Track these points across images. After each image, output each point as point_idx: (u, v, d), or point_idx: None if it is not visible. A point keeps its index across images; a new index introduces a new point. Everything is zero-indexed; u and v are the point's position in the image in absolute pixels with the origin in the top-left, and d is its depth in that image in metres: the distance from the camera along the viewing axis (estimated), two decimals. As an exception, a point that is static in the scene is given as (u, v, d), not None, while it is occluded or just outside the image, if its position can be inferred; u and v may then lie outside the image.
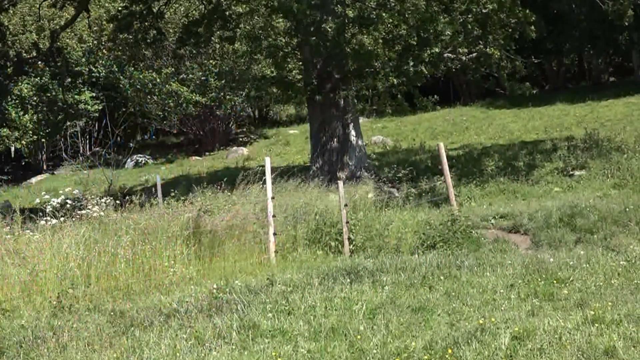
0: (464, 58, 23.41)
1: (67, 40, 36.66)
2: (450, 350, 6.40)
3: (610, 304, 7.33)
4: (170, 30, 32.39)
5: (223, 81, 36.13)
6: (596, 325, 6.68)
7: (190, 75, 36.67)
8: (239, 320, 7.71)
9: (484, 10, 21.83)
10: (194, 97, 36.22)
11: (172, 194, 16.85)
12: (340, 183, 14.67)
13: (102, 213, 13.39)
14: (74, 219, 13.08)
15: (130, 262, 11.69)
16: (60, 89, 34.96)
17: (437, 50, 21.86)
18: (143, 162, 37.63)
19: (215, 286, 10.11)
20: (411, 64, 21.25)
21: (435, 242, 13.32)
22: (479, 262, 9.99)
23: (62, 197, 14.20)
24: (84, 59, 38.13)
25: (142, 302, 9.98)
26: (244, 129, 42.64)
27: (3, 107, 32.93)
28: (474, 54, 23.26)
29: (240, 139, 40.09)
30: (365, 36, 21.35)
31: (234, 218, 14.02)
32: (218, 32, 25.97)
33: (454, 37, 21.81)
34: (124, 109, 40.33)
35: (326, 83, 22.88)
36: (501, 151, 25.62)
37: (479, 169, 22.52)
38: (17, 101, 36.21)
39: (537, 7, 28.19)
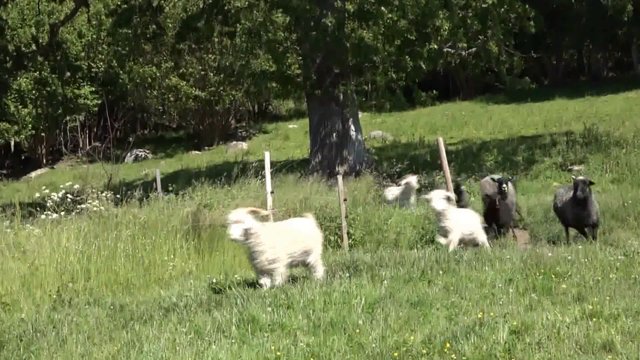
0: (463, 53, 23.44)
1: (67, 35, 36.61)
2: (448, 345, 6.42)
3: (608, 298, 7.35)
4: (170, 25, 32.36)
5: (222, 76, 36.13)
6: (594, 319, 6.70)
7: (190, 70, 36.66)
8: (238, 314, 7.73)
9: (483, 5, 21.86)
10: (193, 92, 36.22)
11: (172, 189, 16.88)
12: (340, 177, 14.69)
13: (102, 208, 13.41)
14: (74, 213, 13.10)
15: (130, 257, 11.71)
16: (60, 83, 34.94)
17: (435, 46, 21.89)
18: (143, 156, 37.64)
19: (214, 280, 10.15)
20: (408, 59, 21.28)
21: (434, 236, 13.34)
22: (478, 257, 10.01)
23: (63, 191, 14.20)
24: (83, 54, 38.11)
25: (141, 296, 10.01)
26: (244, 124, 42.64)
27: (2, 102, 32.94)
28: (474, 49, 23.28)
29: (240, 134, 40.09)
30: (365, 31, 21.37)
31: (233, 212, 14.01)
32: (218, 28, 25.98)
33: (454, 32, 21.83)
34: (123, 104, 40.31)
35: (325, 78, 22.89)
36: (500, 146, 25.63)
37: (478, 163, 22.55)
38: (16, 95, 36.21)
39: (537, 2, 28.16)
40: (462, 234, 11.86)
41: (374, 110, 33.29)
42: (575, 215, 12.66)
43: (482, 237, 12.31)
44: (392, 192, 17.20)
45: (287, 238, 9.63)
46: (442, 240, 11.81)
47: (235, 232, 9.21)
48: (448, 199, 11.88)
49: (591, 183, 12.65)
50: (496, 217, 13.83)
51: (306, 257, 9.87)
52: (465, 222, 12.03)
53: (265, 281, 9.30)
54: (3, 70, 27.90)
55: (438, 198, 11.71)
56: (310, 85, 23.06)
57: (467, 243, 11.98)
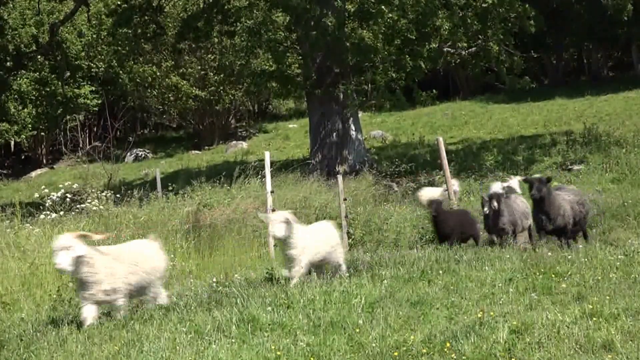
0: (463, 52, 23.44)
1: (67, 34, 36.61)
2: (448, 344, 6.42)
3: (608, 297, 7.35)
4: (170, 25, 32.38)
5: (222, 75, 36.14)
6: (594, 319, 6.70)
7: (190, 69, 36.67)
8: (238, 313, 7.73)
9: (483, 5, 21.86)
10: (193, 91, 36.22)
11: (172, 188, 16.89)
12: (340, 177, 14.70)
13: (102, 207, 13.43)
14: (73, 213, 13.12)
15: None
16: (60, 83, 34.94)
17: (435, 45, 21.90)
18: (143, 156, 37.64)
19: (214, 280, 10.15)
20: (408, 59, 21.29)
21: (434, 236, 13.34)
22: (478, 257, 10.02)
23: (62, 191, 14.24)
24: (83, 53, 38.12)
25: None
26: (244, 123, 42.64)
27: (2, 101, 32.93)
28: (474, 49, 23.28)
29: (240, 133, 40.09)
30: (365, 31, 21.37)
31: (233, 212, 14.05)
32: (217, 27, 25.99)
33: (454, 31, 21.83)
34: (123, 103, 40.32)
35: (325, 77, 22.89)
36: (500, 145, 25.64)
37: (478, 163, 22.55)
38: (16, 96, 36.21)
39: (537, 1, 28.18)
40: (312, 259, 9.69)
41: (374, 110, 33.29)
42: (534, 218, 11.75)
43: (340, 257, 10.25)
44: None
45: (126, 265, 8.43)
46: (285, 272, 9.60)
47: (62, 261, 7.85)
48: (288, 222, 9.37)
49: (548, 181, 11.54)
50: (438, 229, 12.54)
51: (149, 287, 8.77)
52: (315, 244, 9.77)
53: (87, 315, 8.11)
54: (3, 70, 27.92)
55: (277, 222, 9.33)
56: (311, 85, 23.07)
57: (321, 265, 10.01)
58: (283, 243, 9.43)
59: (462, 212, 13.48)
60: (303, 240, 9.49)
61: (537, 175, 11.56)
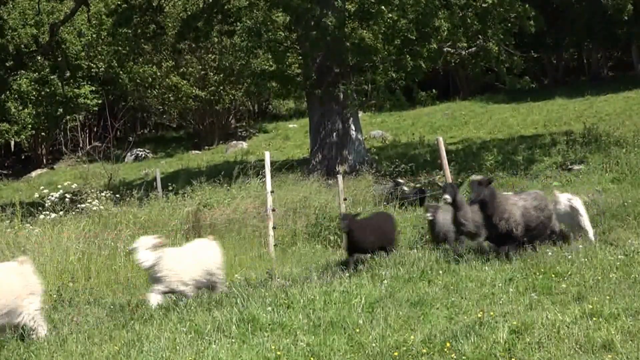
0: (463, 52, 23.46)
1: (67, 35, 36.59)
2: (448, 344, 6.43)
3: (608, 297, 7.35)
4: (170, 25, 32.38)
5: (222, 75, 36.15)
6: (594, 319, 6.70)
7: (190, 69, 36.67)
8: (238, 313, 7.74)
9: (483, 5, 21.86)
10: (193, 91, 36.22)
11: (172, 188, 16.90)
12: (340, 177, 14.70)
13: (101, 207, 13.45)
14: (73, 213, 13.13)
15: (130, 256, 11.73)
16: (60, 83, 34.93)
17: (435, 46, 21.92)
18: (143, 156, 37.64)
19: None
20: (409, 59, 21.31)
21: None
22: (478, 257, 10.01)
23: (61, 191, 14.26)
24: (83, 53, 38.11)
25: (142, 296, 10.01)
26: (244, 123, 42.64)
27: (2, 101, 32.93)
28: (473, 49, 23.29)
29: (240, 133, 40.09)
30: (365, 31, 21.38)
31: (233, 212, 14.07)
32: (217, 27, 26.00)
33: (454, 31, 21.84)
34: (123, 104, 40.32)
35: (326, 77, 22.90)
36: (500, 145, 25.62)
37: (478, 163, 22.52)
38: (16, 96, 36.20)
39: (537, 1, 28.19)
40: (185, 283, 9.11)
41: (374, 110, 33.31)
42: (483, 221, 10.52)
43: (218, 281, 9.51)
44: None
45: None
46: (152, 297, 8.93)
47: None
48: (155, 246, 8.96)
49: (489, 182, 10.22)
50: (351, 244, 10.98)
51: (14, 317, 7.89)
52: (188, 267, 9.18)
53: None
54: (3, 70, 27.91)
55: (143, 249, 8.87)
56: (311, 85, 23.07)
57: (200, 287, 9.33)
58: (151, 271, 9.00)
59: (381, 221, 11.97)
60: (174, 263, 9.01)
61: (477, 177, 10.38)
